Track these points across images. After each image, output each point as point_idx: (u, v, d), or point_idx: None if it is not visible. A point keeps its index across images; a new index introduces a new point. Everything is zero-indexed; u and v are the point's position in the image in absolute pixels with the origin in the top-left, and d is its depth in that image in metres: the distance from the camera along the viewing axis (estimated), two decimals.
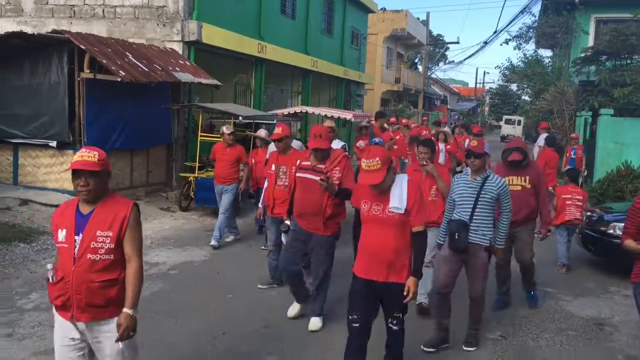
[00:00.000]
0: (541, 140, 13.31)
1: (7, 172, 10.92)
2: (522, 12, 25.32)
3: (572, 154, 12.68)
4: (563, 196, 7.93)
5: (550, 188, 10.35)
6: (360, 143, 10.02)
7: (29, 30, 11.56)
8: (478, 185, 5.00)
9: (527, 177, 6.04)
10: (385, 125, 12.45)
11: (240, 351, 4.90)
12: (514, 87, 44.43)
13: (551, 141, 11.77)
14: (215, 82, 12.43)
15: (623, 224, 4.34)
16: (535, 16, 24.74)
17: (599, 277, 7.66)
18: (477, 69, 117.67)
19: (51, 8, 13.30)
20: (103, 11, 13.02)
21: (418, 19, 39.33)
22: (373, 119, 14.04)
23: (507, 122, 43.19)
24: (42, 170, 10.55)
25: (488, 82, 69.68)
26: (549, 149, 11.12)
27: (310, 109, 16.72)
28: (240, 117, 10.81)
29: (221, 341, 5.06)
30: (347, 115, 15.92)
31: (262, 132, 9.07)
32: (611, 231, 7.54)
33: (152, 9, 12.77)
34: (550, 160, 10.65)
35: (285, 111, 15.69)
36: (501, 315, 5.97)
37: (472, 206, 4.96)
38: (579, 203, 7.85)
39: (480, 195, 4.96)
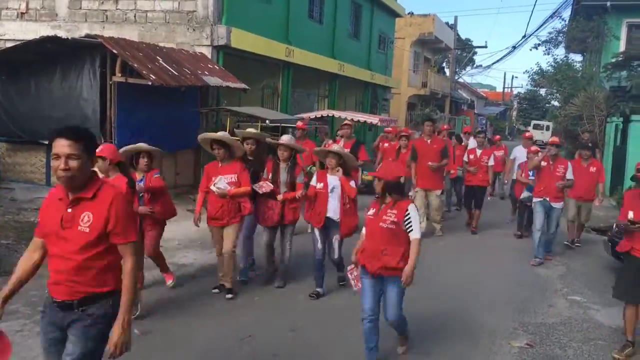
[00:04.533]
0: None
1: (40, 172, 11.18)
2: (551, 16, 24.95)
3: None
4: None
5: None
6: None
7: (62, 34, 11.83)
8: None
9: None
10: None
11: (266, 353, 4.95)
12: (542, 92, 43.83)
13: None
14: (243, 86, 12.55)
15: None
16: (565, 20, 24.40)
17: None
18: (505, 73, 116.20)
19: (84, 13, 13.60)
20: (135, 16, 13.27)
21: (446, 23, 39.12)
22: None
23: (536, 127, 42.62)
24: None
25: (516, 87, 68.79)
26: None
27: (336, 113, 16.80)
28: (267, 121, 10.92)
29: (248, 343, 5.11)
30: (374, 119, 15.95)
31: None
32: None
33: (182, 13, 12.97)
34: None
35: (312, 115, 15.79)
36: (528, 323, 5.93)
37: None
38: None
39: None
